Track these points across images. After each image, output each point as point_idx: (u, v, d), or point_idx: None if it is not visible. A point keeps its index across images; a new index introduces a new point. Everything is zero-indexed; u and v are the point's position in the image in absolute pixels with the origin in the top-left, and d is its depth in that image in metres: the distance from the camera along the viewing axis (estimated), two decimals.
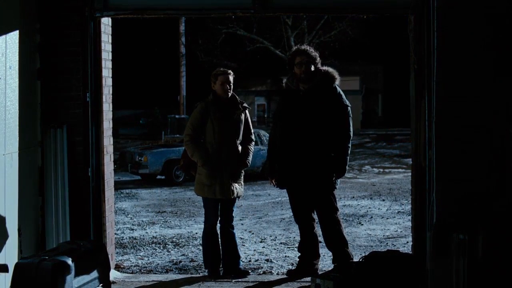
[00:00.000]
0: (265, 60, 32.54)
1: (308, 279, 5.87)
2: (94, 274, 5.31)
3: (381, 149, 28.16)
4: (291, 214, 6.83)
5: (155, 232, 9.70)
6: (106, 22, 6.37)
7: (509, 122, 5.36)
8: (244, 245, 8.57)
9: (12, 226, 5.54)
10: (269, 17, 25.96)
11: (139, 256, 8.05)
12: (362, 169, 20.14)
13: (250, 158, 6.57)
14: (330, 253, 6.66)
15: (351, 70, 40.02)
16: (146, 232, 9.71)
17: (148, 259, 7.88)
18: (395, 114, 44.34)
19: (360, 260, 5.51)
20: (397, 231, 9.58)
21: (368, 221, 10.48)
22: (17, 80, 5.65)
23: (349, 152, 6.31)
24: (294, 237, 8.90)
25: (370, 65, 46.38)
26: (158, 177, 16.78)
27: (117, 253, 7.93)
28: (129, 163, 17.00)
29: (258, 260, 7.79)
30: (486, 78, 5.40)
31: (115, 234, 8.29)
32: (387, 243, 8.69)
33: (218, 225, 6.57)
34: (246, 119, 6.58)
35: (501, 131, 5.37)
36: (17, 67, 5.65)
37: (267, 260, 7.78)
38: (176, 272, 7.24)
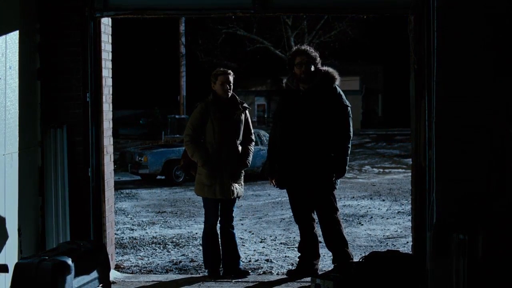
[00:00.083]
0: (265, 60, 32.54)
1: (308, 279, 5.87)
2: (94, 274, 5.31)
3: (381, 149, 28.16)
4: (291, 214, 6.83)
5: (155, 232, 9.70)
6: (106, 22, 6.37)
7: (509, 122, 5.36)
8: (244, 245, 8.58)
9: (12, 226, 5.54)
10: (269, 17, 25.96)
11: (139, 256, 8.05)
12: (362, 169, 20.14)
13: (250, 158, 6.57)
14: (330, 253, 6.66)
15: (351, 70, 40.02)
16: (146, 232, 9.71)
17: (148, 259, 7.88)
18: (395, 114, 44.35)
19: (360, 260, 5.51)
20: (397, 231, 9.58)
21: (368, 221, 10.48)
22: (17, 80, 5.65)
23: (349, 152, 6.31)
24: (294, 237, 8.90)
25: (370, 65, 46.39)
26: (158, 177, 16.78)
27: (117, 253, 7.93)
28: (129, 163, 17.00)
29: (258, 260, 7.79)
30: (486, 78, 5.40)
31: (115, 234, 8.29)
32: (387, 243, 8.69)
33: (218, 225, 6.57)
34: (246, 119, 6.58)
35: (501, 131, 5.37)
36: (17, 67, 5.65)
37: (267, 260, 7.78)
38: (176, 272, 7.24)
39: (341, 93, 6.35)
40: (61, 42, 6.07)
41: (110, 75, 6.57)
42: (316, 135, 6.19)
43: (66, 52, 6.07)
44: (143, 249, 8.50)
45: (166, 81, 40.83)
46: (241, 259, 6.74)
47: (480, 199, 5.34)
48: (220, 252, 6.54)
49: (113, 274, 6.32)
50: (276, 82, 39.30)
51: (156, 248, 8.54)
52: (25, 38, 5.80)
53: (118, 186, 14.91)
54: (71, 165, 6.08)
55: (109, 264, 5.63)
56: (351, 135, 6.32)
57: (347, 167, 6.33)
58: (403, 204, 12.14)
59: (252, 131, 6.71)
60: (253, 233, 9.52)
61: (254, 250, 8.34)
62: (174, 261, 7.78)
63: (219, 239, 6.56)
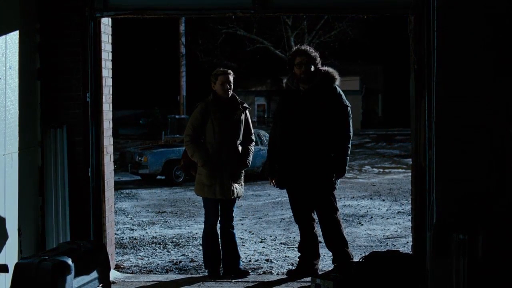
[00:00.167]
0: (265, 60, 32.53)
1: (308, 279, 5.87)
2: (94, 274, 5.31)
3: (381, 149, 28.16)
4: (291, 214, 6.83)
5: (155, 232, 9.70)
6: (106, 22, 6.37)
7: (509, 122, 5.36)
8: (244, 245, 8.57)
9: (12, 226, 5.54)
10: (269, 17, 25.95)
11: (139, 256, 8.05)
12: (362, 169, 20.14)
13: (250, 158, 6.57)
14: (330, 253, 6.66)
15: (351, 70, 40.01)
16: (146, 232, 9.71)
17: (148, 259, 7.88)
18: (395, 114, 44.34)
19: (360, 260, 5.51)
20: (397, 231, 9.58)
21: (368, 221, 10.48)
22: (17, 80, 5.65)
23: (349, 152, 6.31)
24: (294, 237, 8.90)
25: (370, 65, 46.38)
26: (158, 177, 16.78)
27: (117, 253, 7.93)
28: (129, 163, 17.00)
29: (258, 260, 7.79)
30: (486, 78, 5.40)
31: (115, 234, 8.29)
32: (387, 243, 8.69)
33: (218, 225, 6.57)
34: (246, 119, 6.58)
35: (501, 131, 5.37)
36: (17, 67, 5.65)
37: (267, 260, 7.78)
38: (176, 272, 7.24)
39: (341, 93, 6.35)
40: (61, 42, 6.07)
41: (110, 75, 6.57)
42: (316, 135, 6.19)
43: (66, 52, 6.07)
44: (143, 249, 8.50)
45: (166, 81, 40.82)
46: (241, 259, 6.74)
47: (480, 199, 5.34)
48: (220, 252, 6.54)
49: (113, 274, 6.32)
50: (276, 82, 39.30)
51: (156, 248, 8.54)
52: (25, 38, 5.80)
53: (118, 186, 14.91)
54: (71, 165, 6.08)
55: (109, 264, 5.63)
56: (351, 135, 6.32)
57: (347, 167, 6.33)
58: (403, 204, 12.14)
59: (252, 131, 6.71)
60: (253, 233, 9.52)
61: (254, 250, 8.34)
62: (174, 261, 7.78)
63: (219, 239, 6.56)
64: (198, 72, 30.86)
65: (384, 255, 5.54)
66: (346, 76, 22.58)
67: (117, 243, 8.65)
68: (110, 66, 6.55)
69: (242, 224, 10.24)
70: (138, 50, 41.82)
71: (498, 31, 5.37)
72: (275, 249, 8.40)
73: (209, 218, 6.53)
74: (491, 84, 5.39)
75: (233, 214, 6.61)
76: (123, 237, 9.32)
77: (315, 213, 6.45)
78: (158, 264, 7.64)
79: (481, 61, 5.40)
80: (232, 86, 6.45)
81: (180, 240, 9.01)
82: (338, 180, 6.37)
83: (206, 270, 6.62)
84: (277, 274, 6.99)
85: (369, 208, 11.89)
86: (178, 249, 8.48)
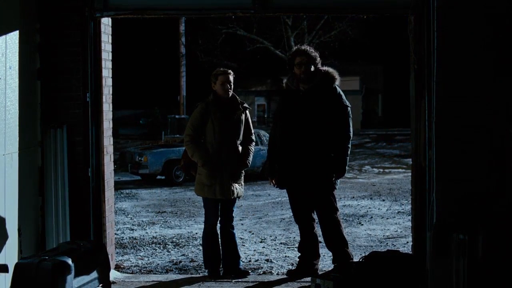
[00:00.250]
0: (265, 60, 32.52)
1: (308, 279, 5.87)
2: (94, 274, 5.31)
3: (381, 149, 28.16)
4: (291, 214, 6.83)
5: (155, 232, 9.70)
6: (106, 22, 6.37)
7: (509, 122, 5.36)
8: (244, 245, 8.57)
9: (12, 226, 5.54)
10: (269, 17, 25.95)
11: (139, 256, 8.05)
12: (362, 169, 20.14)
13: (251, 158, 6.57)
14: (330, 253, 6.66)
15: (351, 70, 40.00)
16: (146, 232, 9.71)
17: (148, 259, 7.88)
18: (395, 114, 44.34)
19: (360, 260, 5.51)
20: (397, 231, 9.58)
21: (368, 221, 10.48)
22: (17, 80, 5.65)
23: (349, 152, 6.31)
24: (294, 237, 8.90)
25: (370, 65, 46.37)
26: (158, 177, 16.78)
27: (117, 253, 7.93)
28: (129, 163, 17.00)
29: (258, 260, 7.79)
30: (486, 78, 5.40)
31: (115, 234, 8.29)
32: (387, 243, 8.69)
33: (218, 225, 6.57)
34: (246, 119, 6.58)
35: (501, 131, 5.37)
36: (17, 67, 5.65)
37: (267, 260, 7.78)
38: (176, 272, 7.24)
39: (341, 93, 6.35)
40: (61, 42, 6.07)
41: (110, 75, 6.57)
42: (316, 135, 6.20)
43: (66, 52, 6.07)
44: (143, 249, 8.50)
45: (166, 81, 40.82)
46: (241, 259, 6.74)
47: (480, 199, 5.34)
48: (220, 252, 6.54)
49: (113, 274, 6.32)
50: (276, 82, 39.30)
51: (156, 248, 8.54)
52: (25, 38, 5.80)
53: (118, 186, 14.91)
54: (71, 165, 6.08)
55: (109, 264, 5.63)
56: (351, 135, 6.32)
57: (347, 167, 6.33)
58: (403, 204, 12.14)
59: (253, 131, 6.71)
60: (253, 233, 9.52)
61: (254, 250, 8.34)
62: (174, 261, 7.78)
63: (219, 239, 6.56)
64: (198, 72, 30.86)
65: (384, 255, 5.54)
66: (346, 76, 22.57)
67: (117, 243, 8.65)
68: (110, 66, 6.55)
69: (242, 224, 10.24)
70: (138, 50, 41.81)
71: (498, 31, 5.37)
72: (275, 249, 8.40)
73: (209, 218, 6.53)
74: (491, 84, 5.39)
75: (233, 214, 6.61)
76: (123, 237, 9.32)
77: (315, 213, 6.45)
78: (158, 264, 7.64)
79: (481, 61, 5.40)
80: (232, 86, 6.45)
81: (180, 240, 9.01)
82: (338, 180, 6.37)
83: (206, 270, 6.62)
84: (277, 274, 6.99)
85: (369, 208, 11.89)
86: (178, 249, 8.48)
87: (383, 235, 9.26)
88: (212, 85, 6.48)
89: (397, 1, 6.05)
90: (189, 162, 6.55)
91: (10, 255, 5.46)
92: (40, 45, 6.06)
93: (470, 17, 5.39)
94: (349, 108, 6.32)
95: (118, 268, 6.96)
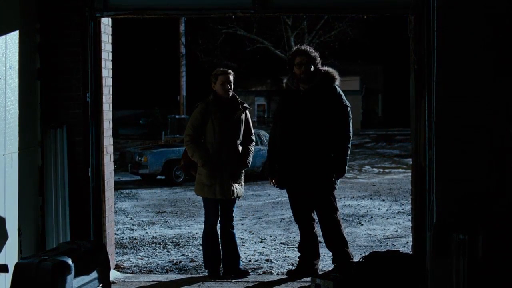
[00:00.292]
0: (265, 60, 32.52)
1: (308, 279, 5.87)
2: (94, 274, 5.31)
3: (381, 149, 28.16)
4: (291, 214, 6.83)
5: (155, 232, 9.70)
6: (106, 22, 6.37)
7: (509, 122, 5.36)
8: (244, 245, 8.58)
9: (12, 226, 5.54)
10: (269, 17, 25.94)
11: (139, 256, 8.05)
12: (362, 169, 20.14)
13: (251, 158, 6.58)
14: (330, 253, 6.66)
15: (351, 70, 40.00)
16: (146, 232, 9.71)
17: (148, 259, 7.88)
18: (395, 114, 44.34)
19: (360, 260, 5.51)
20: (397, 231, 9.58)
21: (368, 221, 10.48)
22: (17, 80, 5.65)
23: (349, 152, 6.31)
24: (294, 237, 8.90)
25: (370, 65, 46.37)
26: (158, 177, 16.78)
27: (117, 253, 7.93)
28: (129, 163, 17.00)
29: (258, 260, 7.79)
30: (486, 78, 5.40)
31: (115, 234, 8.29)
32: (387, 243, 8.69)
33: (218, 225, 6.57)
34: (246, 120, 6.58)
35: (501, 131, 5.37)
36: (17, 67, 5.65)
37: (267, 260, 7.78)
38: (176, 272, 7.24)
39: (341, 93, 6.35)
40: (61, 42, 6.07)
41: (110, 75, 6.57)
42: (316, 135, 6.20)
43: (66, 52, 6.07)
44: (143, 249, 8.50)
45: (166, 81, 40.81)
46: (241, 259, 6.74)
47: (480, 199, 5.34)
48: (220, 252, 6.54)
49: (113, 274, 6.32)
50: (276, 82, 39.29)
51: (156, 248, 8.55)
52: (25, 38, 5.80)
53: (118, 186, 14.91)
54: (71, 165, 6.08)
55: (109, 264, 5.63)
56: (351, 135, 6.32)
57: (347, 167, 6.33)
58: (403, 204, 12.14)
59: (253, 131, 6.71)
60: (253, 233, 9.52)
61: (254, 250, 8.34)
62: (174, 261, 7.78)
63: (219, 239, 6.56)
64: (198, 72, 30.86)
65: (384, 255, 5.54)
66: (346, 76, 22.57)
67: (117, 243, 8.65)
68: (110, 66, 6.55)
69: (242, 224, 10.24)
70: (138, 50, 41.81)
71: (498, 31, 5.37)
72: (275, 249, 8.40)
73: (209, 218, 6.53)
74: (491, 84, 5.39)
75: (233, 214, 6.61)
76: (123, 237, 9.32)
77: (315, 213, 6.45)
78: (158, 264, 7.64)
79: (481, 61, 5.40)
80: (232, 86, 6.45)
81: (180, 240, 9.01)
82: (338, 180, 6.37)
83: (206, 270, 6.62)
84: (277, 274, 6.99)
85: (369, 208, 11.89)
86: (178, 249, 8.48)
87: (383, 235, 9.26)
88: (212, 85, 6.48)
89: (397, 1, 6.05)
90: (189, 162, 6.55)
91: (10, 255, 5.46)
92: (40, 45, 6.06)
93: (470, 17, 5.39)
94: (349, 108, 6.32)
95: (118, 268, 6.96)
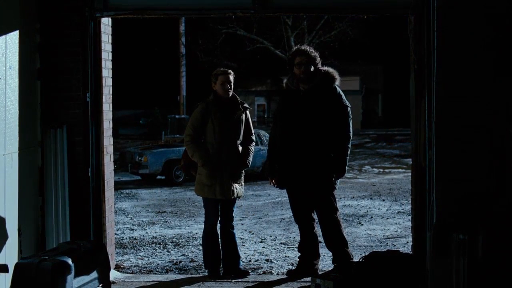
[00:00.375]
0: (265, 60, 32.52)
1: (308, 279, 5.87)
2: (94, 274, 5.30)
3: (381, 149, 28.16)
4: (291, 214, 6.83)
5: (155, 232, 9.70)
6: (106, 22, 6.37)
7: (509, 122, 5.36)
8: (244, 245, 8.58)
9: (12, 226, 5.54)
10: (269, 17, 25.94)
11: (139, 256, 8.05)
12: (362, 169, 20.14)
13: (251, 158, 6.58)
14: (330, 253, 6.66)
15: (351, 70, 39.98)
16: (146, 232, 9.71)
17: (148, 259, 7.88)
18: (395, 114, 44.34)
19: (360, 260, 5.51)
20: (397, 231, 9.58)
21: (368, 221, 10.48)
22: (17, 80, 5.65)
23: (348, 152, 6.31)
24: (294, 237, 8.90)
25: (370, 65, 46.36)
26: (158, 177, 16.78)
27: (117, 253, 7.93)
28: (129, 163, 17.00)
29: (258, 260, 7.79)
30: (486, 78, 5.40)
31: (115, 234, 8.29)
32: (387, 243, 8.69)
33: (218, 225, 6.57)
34: (246, 120, 6.58)
35: (501, 131, 5.37)
36: (17, 67, 5.65)
37: (267, 260, 7.78)
38: (176, 272, 7.24)
39: (341, 93, 6.35)
40: (61, 42, 6.07)
41: (110, 75, 6.57)
42: (316, 135, 6.19)
43: (66, 52, 6.07)
44: (143, 249, 8.50)
45: (166, 81, 40.82)
46: (241, 259, 6.74)
47: (480, 199, 5.34)
48: (220, 252, 6.54)
49: (113, 274, 6.32)
50: (276, 82, 39.28)
51: (156, 248, 8.55)
52: (25, 38, 5.80)
53: (118, 186, 14.91)
54: (71, 165, 6.08)
55: (109, 264, 5.63)
56: (351, 135, 6.32)
57: (347, 167, 6.33)
58: (403, 204, 12.14)
59: (253, 131, 6.71)
60: (253, 233, 9.52)
61: (254, 250, 8.34)
62: (174, 261, 7.78)
63: (219, 239, 6.56)
64: (198, 72, 30.85)
65: (384, 255, 5.54)
66: (346, 76, 22.56)
67: (117, 243, 8.65)
68: (110, 66, 6.55)
69: (242, 224, 10.24)
70: (138, 50, 41.81)
71: (498, 31, 5.37)
72: (275, 249, 8.40)
73: (209, 218, 6.53)
74: (491, 84, 5.39)
75: (233, 214, 6.61)
76: (123, 237, 9.32)
77: (315, 213, 6.45)
78: (158, 264, 7.64)
79: (481, 61, 5.40)
80: (232, 86, 6.45)
81: (180, 240, 9.01)
82: (338, 180, 6.37)
83: (206, 270, 6.62)
84: (277, 274, 6.99)
85: (369, 208, 11.89)
86: (178, 249, 8.48)
87: (383, 235, 9.26)
88: (212, 85, 6.48)
89: (397, 1, 6.05)
90: (189, 162, 6.55)
91: (10, 255, 5.46)
92: (40, 45, 6.06)
93: (470, 17, 5.39)
94: (349, 108, 6.32)
95: (118, 268, 6.96)
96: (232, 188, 6.41)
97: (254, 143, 6.71)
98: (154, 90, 44.48)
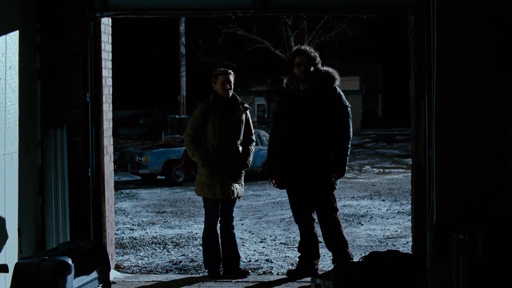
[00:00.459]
0: (265, 60, 32.52)
1: (308, 279, 5.87)
2: (94, 274, 5.31)
3: (381, 149, 28.16)
4: (291, 214, 6.83)
5: (155, 232, 9.70)
6: (106, 22, 6.37)
7: (509, 122, 5.36)
8: (244, 245, 8.58)
9: (12, 226, 5.54)
10: (269, 17, 25.95)
11: (139, 256, 8.05)
12: (362, 169, 20.14)
13: (251, 158, 6.58)
14: (330, 253, 6.66)
15: (351, 70, 39.96)
16: (146, 232, 9.71)
17: (148, 259, 7.88)
18: (395, 114, 44.33)
19: (360, 260, 5.51)
20: (397, 231, 9.58)
21: (368, 221, 10.48)
22: (17, 80, 5.65)
23: (348, 152, 6.31)
24: (294, 237, 8.90)
25: (370, 65, 46.34)
26: (158, 177, 16.78)
27: (117, 253, 7.93)
28: (129, 163, 17.00)
29: (258, 260, 7.79)
30: (486, 78, 5.40)
31: (115, 234, 8.29)
32: (387, 243, 8.69)
33: (218, 225, 6.57)
34: (247, 120, 6.58)
35: (501, 131, 5.37)
36: (17, 67, 5.65)
37: (267, 260, 7.78)
38: (176, 272, 7.24)
39: (341, 93, 6.35)
40: (61, 42, 6.07)
41: (110, 75, 6.57)
42: (316, 135, 6.19)
43: (66, 52, 6.07)
44: (143, 249, 8.50)
45: (166, 81, 40.81)
46: (241, 259, 6.74)
47: (480, 199, 5.34)
48: (220, 252, 6.54)
49: (113, 274, 6.32)
50: (276, 82, 39.27)
51: (156, 248, 8.55)
52: (25, 38, 5.80)
53: (118, 186, 14.91)
54: (71, 165, 6.08)
55: (109, 264, 5.63)
56: (351, 136, 6.32)
57: (346, 167, 6.33)
58: (403, 204, 12.14)
59: (253, 131, 6.71)
60: (253, 233, 9.52)
61: (254, 250, 8.34)
62: (174, 261, 7.78)
63: (219, 239, 6.56)
64: (198, 72, 30.86)
65: (384, 255, 5.54)
66: (346, 76, 22.56)
67: (117, 243, 8.65)
68: (110, 66, 6.55)
69: (242, 224, 10.24)
70: (138, 50, 41.80)
71: (498, 31, 5.37)
72: (275, 249, 8.40)
73: (209, 218, 6.53)
74: (491, 84, 5.39)
75: (233, 214, 6.61)
76: (123, 237, 9.32)
77: (315, 213, 6.45)
78: (158, 264, 7.64)
79: (481, 61, 5.40)
80: (232, 86, 6.45)
81: (180, 240, 9.01)
82: (338, 180, 6.37)
83: (206, 270, 6.62)
84: (277, 274, 6.99)
85: (369, 208, 11.89)
86: (178, 249, 8.48)
87: (383, 235, 9.26)
88: (212, 85, 6.48)
89: (397, 1, 6.05)
90: (189, 162, 6.55)
91: (10, 255, 5.46)
92: (40, 45, 6.06)
93: (470, 17, 5.39)
94: (349, 108, 6.32)
95: (118, 268, 6.96)
96: (232, 188, 6.41)
97: (254, 143, 6.71)
98: (154, 90, 44.47)
